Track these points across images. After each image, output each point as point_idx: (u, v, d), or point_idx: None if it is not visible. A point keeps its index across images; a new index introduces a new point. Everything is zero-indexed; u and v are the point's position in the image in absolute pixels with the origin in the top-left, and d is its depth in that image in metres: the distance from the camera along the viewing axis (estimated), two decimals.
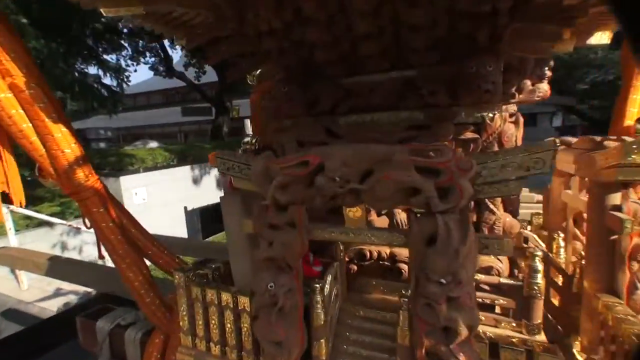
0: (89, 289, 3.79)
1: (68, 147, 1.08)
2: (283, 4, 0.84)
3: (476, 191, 0.64)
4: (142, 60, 8.87)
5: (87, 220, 1.22)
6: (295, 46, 0.89)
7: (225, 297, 0.94)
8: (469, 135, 0.85)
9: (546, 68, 0.89)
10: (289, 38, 0.87)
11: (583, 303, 0.92)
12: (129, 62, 8.70)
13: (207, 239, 6.00)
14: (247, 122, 6.17)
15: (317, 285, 0.85)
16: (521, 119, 0.85)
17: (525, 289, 0.82)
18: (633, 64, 1.06)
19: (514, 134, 0.83)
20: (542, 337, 0.82)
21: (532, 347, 0.82)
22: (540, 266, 0.80)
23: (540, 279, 0.81)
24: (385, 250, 1.04)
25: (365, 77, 0.90)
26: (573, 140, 1.00)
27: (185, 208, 6.31)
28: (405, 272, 1.00)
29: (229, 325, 0.96)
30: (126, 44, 8.14)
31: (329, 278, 0.89)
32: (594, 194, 0.92)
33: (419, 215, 0.68)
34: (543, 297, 0.81)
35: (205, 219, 6.66)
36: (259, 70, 1.65)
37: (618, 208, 0.87)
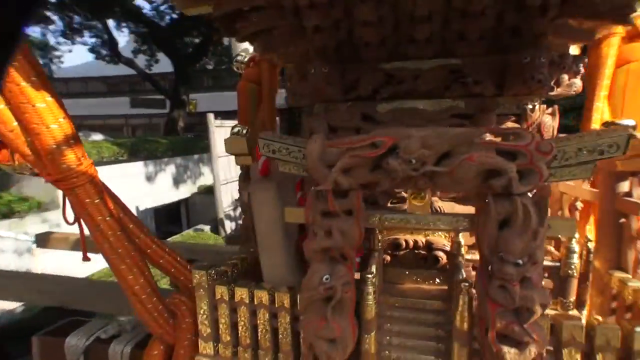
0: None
1: (54, 121, 0.89)
2: None
3: (550, 174, 0.66)
4: (79, 39, 7.88)
5: (68, 214, 1.05)
6: (336, 24, 0.85)
7: (260, 294, 0.86)
8: (509, 125, 0.88)
9: (581, 65, 0.96)
10: (331, 15, 0.83)
11: (592, 280, 1.00)
12: (61, 39, 7.63)
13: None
14: (210, 116, 5.85)
15: (370, 276, 0.82)
16: (557, 112, 0.90)
17: (562, 269, 0.87)
18: (597, 74, 1.17)
19: (551, 125, 0.88)
20: (575, 312, 0.88)
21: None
22: (577, 247, 0.86)
23: (576, 259, 0.86)
24: (421, 239, 1.04)
25: (410, 63, 0.89)
26: None
27: (137, 208, 5.80)
28: (442, 259, 1.00)
29: (262, 327, 0.88)
30: (56, 18, 7.14)
31: (374, 268, 0.86)
32: (606, 182, 1.01)
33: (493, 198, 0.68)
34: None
35: (160, 220, 6.20)
36: (247, 57, 1.57)
37: (629, 194, 0.96)
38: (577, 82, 0.97)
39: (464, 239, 0.94)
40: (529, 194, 0.66)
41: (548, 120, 0.87)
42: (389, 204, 1.03)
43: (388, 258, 1.05)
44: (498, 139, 0.67)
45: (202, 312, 0.92)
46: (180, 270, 1.19)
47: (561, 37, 0.86)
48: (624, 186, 0.98)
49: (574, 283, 0.88)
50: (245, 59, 1.57)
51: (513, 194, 0.65)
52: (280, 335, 0.87)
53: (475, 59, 0.87)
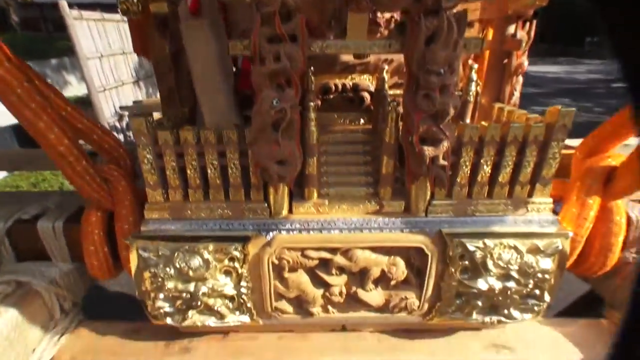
0: None
1: None
2: None
3: None
4: None
5: None
6: None
7: (206, 134, 0.88)
8: None
9: None
10: None
11: (478, 114, 1.24)
12: None
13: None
14: (64, 5, 4.67)
15: (311, 103, 0.89)
16: None
17: (463, 95, 1.06)
18: None
19: None
20: None
21: None
22: (475, 76, 1.05)
23: (474, 86, 1.06)
24: (349, 83, 1.13)
25: None
26: None
27: None
28: (367, 99, 1.12)
29: (210, 167, 0.92)
30: None
31: (311, 101, 0.93)
32: (497, 27, 1.19)
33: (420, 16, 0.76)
34: None
35: (26, 141, 5.25)
36: None
37: (514, 35, 1.16)
38: None
39: (387, 76, 1.06)
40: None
41: None
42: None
43: (319, 102, 1.13)
44: None
45: (146, 161, 0.91)
46: (103, 137, 1.12)
47: None
48: (511, 29, 1.17)
49: (470, 107, 1.09)
50: None
51: (440, 10, 0.74)
52: (230, 171, 0.93)
53: None
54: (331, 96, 1.14)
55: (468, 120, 1.13)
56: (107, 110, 5.49)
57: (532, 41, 1.19)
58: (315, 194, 0.97)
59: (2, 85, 0.81)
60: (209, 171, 0.93)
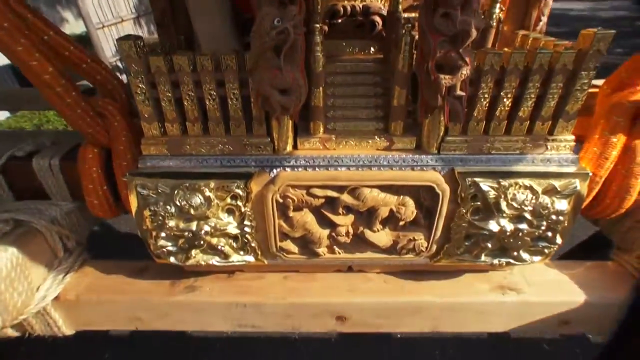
0: None
1: None
2: None
3: None
4: None
5: None
6: None
7: (202, 61, 0.81)
8: None
9: None
10: None
11: (499, 42, 1.13)
12: None
13: None
14: None
15: (318, 25, 0.80)
16: None
17: (485, 19, 0.96)
18: None
19: None
20: None
21: None
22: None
23: (498, 8, 0.95)
24: (359, 5, 1.02)
25: None
26: None
27: None
28: (378, 24, 1.02)
29: (208, 97, 0.86)
30: None
31: (317, 22, 0.83)
32: None
33: None
34: None
35: (24, 78, 5.10)
36: None
37: None
38: None
39: None
40: None
41: None
42: None
43: (326, 28, 1.03)
44: None
45: (139, 91, 0.84)
46: (94, 67, 1.04)
47: None
48: None
49: (492, 34, 0.99)
50: None
51: None
52: (230, 102, 0.86)
53: None
54: (339, 20, 1.04)
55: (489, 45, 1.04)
56: (107, 49, 5.29)
57: None
58: (322, 129, 0.91)
59: None
60: (207, 102, 0.86)
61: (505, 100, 0.87)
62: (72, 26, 7.77)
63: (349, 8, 1.02)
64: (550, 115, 0.89)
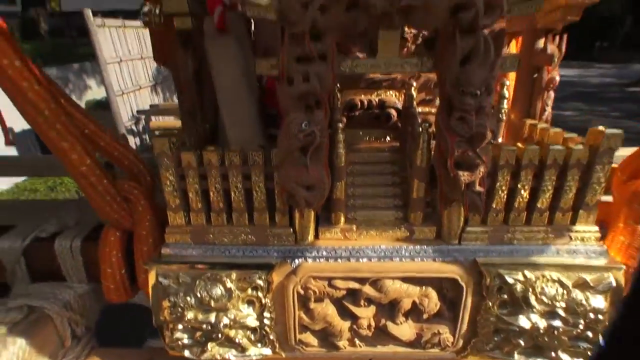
0: None
1: None
2: None
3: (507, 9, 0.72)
4: None
5: None
6: None
7: (231, 156, 0.85)
8: None
9: None
10: None
11: (506, 131, 1.18)
12: None
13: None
14: (88, 13, 4.83)
15: (340, 124, 0.85)
16: None
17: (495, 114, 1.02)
18: None
19: None
20: None
21: None
22: (507, 93, 1.01)
23: (506, 104, 1.01)
24: (375, 99, 1.10)
25: None
26: None
27: (12, 130, 4.89)
28: (394, 116, 1.09)
29: (234, 189, 0.89)
30: None
31: (339, 120, 0.89)
32: (527, 41, 1.15)
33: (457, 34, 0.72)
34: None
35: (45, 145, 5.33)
36: None
37: (544, 50, 1.12)
38: None
39: (415, 93, 1.02)
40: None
41: None
42: None
43: (344, 120, 1.10)
44: None
45: (168, 183, 0.88)
46: (124, 153, 1.10)
47: None
48: (541, 43, 1.13)
49: (502, 126, 1.04)
50: None
51: (477, 29, 0.70)
52: (255, 194, 0.89)
53: None
54: (356, 113, 1.11)
55: (500, 140, 1.08)
56: (125, 113, 5.59)
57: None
58: (343, 219, 0.92)
59: (31, 108, 0.80)
60: (232, 194, 0.89)
61: (522, 192, 0.89)
62: (94, 92, 8.33)
63: (365, 102, 1.10)
64: (570, 207, 0.90)
